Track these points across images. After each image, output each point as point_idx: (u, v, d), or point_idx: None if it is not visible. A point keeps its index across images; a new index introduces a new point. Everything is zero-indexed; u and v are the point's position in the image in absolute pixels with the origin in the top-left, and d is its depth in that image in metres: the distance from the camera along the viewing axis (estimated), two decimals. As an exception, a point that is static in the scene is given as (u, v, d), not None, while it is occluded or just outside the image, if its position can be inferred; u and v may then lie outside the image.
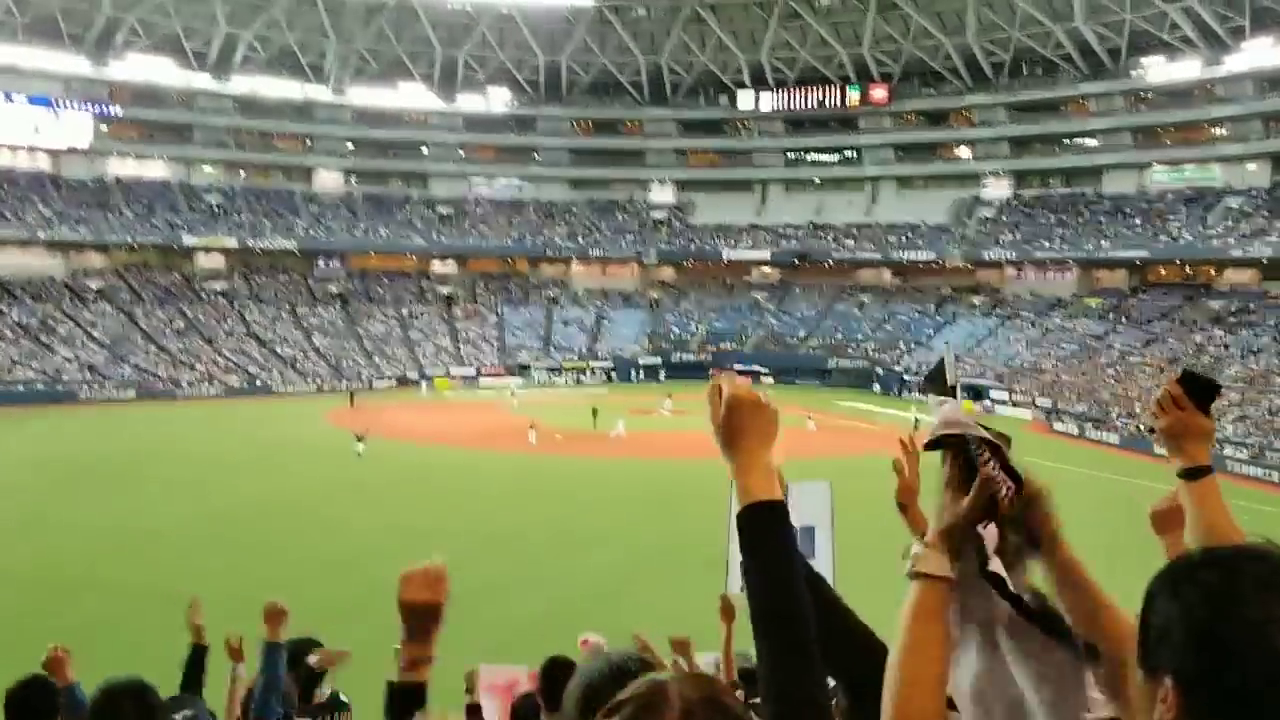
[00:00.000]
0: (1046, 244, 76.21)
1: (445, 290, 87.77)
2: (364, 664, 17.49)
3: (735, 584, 5.65)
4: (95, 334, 69.39)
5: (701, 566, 24.22)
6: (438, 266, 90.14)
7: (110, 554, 25.41)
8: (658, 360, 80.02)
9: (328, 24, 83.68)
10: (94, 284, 75.54)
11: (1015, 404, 61.74)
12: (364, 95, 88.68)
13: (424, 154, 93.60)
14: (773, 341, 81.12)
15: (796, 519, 5.77)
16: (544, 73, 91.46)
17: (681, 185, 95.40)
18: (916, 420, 54.37)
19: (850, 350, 77.45)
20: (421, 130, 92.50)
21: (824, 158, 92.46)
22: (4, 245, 72.32)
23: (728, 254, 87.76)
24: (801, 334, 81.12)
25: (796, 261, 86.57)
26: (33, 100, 75.13)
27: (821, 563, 5.63)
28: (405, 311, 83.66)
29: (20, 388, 59.47)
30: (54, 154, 78.35)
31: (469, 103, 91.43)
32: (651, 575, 24.30)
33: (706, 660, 5.53)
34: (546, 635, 19.03)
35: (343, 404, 60.41)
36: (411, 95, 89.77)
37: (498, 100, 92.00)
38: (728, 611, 5.19)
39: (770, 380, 75.06)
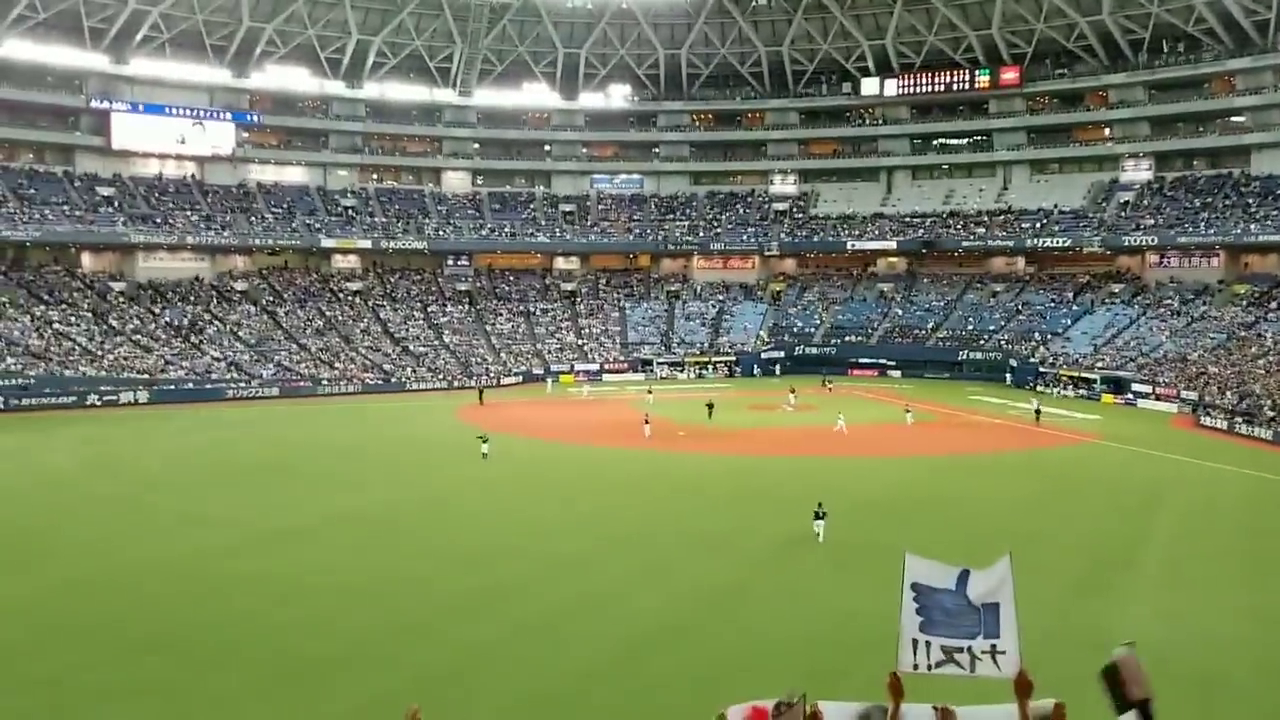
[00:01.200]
0: (1191, 228, 72.72)
1: (569, 287, 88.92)
2: (490, 666, 17.97)
3: (906, 662, 5.61)
4: (240, 334, 72.64)
5: (826, 569, 24.02)
6: (561, 263, 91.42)
7: (257, 548, 26.59)
8: (780, 354, 79.44)
9: (454, 27, 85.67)
10: (238, 285, 79.14)
11: (1158, 397, 59.14)
12: (489, 96, 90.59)
13: (547, 152, 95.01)
14: (900, 334, 79.58)
15: (978, 598, 5.71)
16: (664, 67, 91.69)
17: (804, 176, 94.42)
18: (1038, 411, 52.78)
19: (982, 342, 75.38)
20: (544, 129, 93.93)
21: (953, 143, 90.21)
22: (155, 250, 76.47)
23: (852, 244, 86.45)
24: (930, 325, 79.35)
25: (924, 251, 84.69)
26: (178, 110, 79.15)
27: (1006, 637, 5.62)
28: (530, 308, 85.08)
29: (172, 386, 62.57)
30: (199, 161, 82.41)
31: (590, 100, 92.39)
32: (771, 579, 24.17)
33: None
34: (673, 637, 19.21)
35: (472, 400, 61.80)
36: (534, 95, 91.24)
37: (618, 96, 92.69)
38: (896, 688, 5.08)
39: (899, 375, 74.12)
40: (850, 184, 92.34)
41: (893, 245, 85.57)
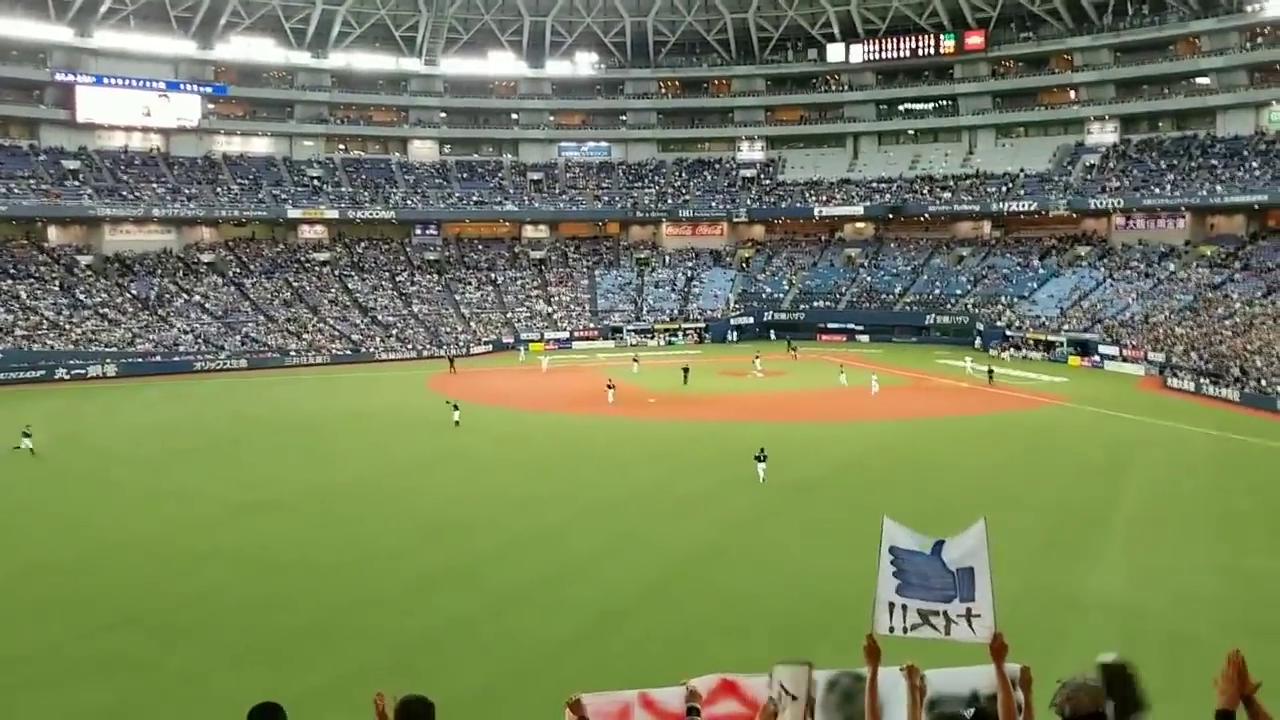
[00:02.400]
0: (1157, 190, 73.47)
1: (538, 255, 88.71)
2: (467, 637, 18.19)
3: (883, 624, 5.75)
4: (207, 306, 72.08)
5: (800, 532, 24.41)
6: (530, 231, 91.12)
7: (227, 523, 26.67)
8: (749, 320, 79.81)
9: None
10: (205, 257, 78.40)
11: (1125, 359, 59.95)
12: (455, 65, 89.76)
13: (514, 120, 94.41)
14: (868, 299, 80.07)
15: (953, 562, 5.86)
16: (630, 35, 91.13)
17: (771, 142, 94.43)
18: (990, 372, 53.94)
19: (949, 306, 76.04)
20: (511, 98, 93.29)
21: (918, 108, 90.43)
22: (122, 222, 75.63)
23: (819, 210, 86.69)
24: (898, 290, 79.88)
25: (891, 216, 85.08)
26: (143, 83, 78.01)
27: (981, 601, 5.69)
28: (499, 277, 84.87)
29: (140, 359, 62.14)
30: (165, 134, 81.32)
31: (557, 68, 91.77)
32: (746, 542, 24.55)
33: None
34: (656, 601, 19.53)
35: (443, 370, 61.78)
36: (501, 63, 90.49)
37: (585, 65, 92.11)
38: (873, 652, 5.20)
39: (867, 339, 74.71)
40: (817, 150, 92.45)
41: (859, 210, 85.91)
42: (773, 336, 76.33)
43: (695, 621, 18.86)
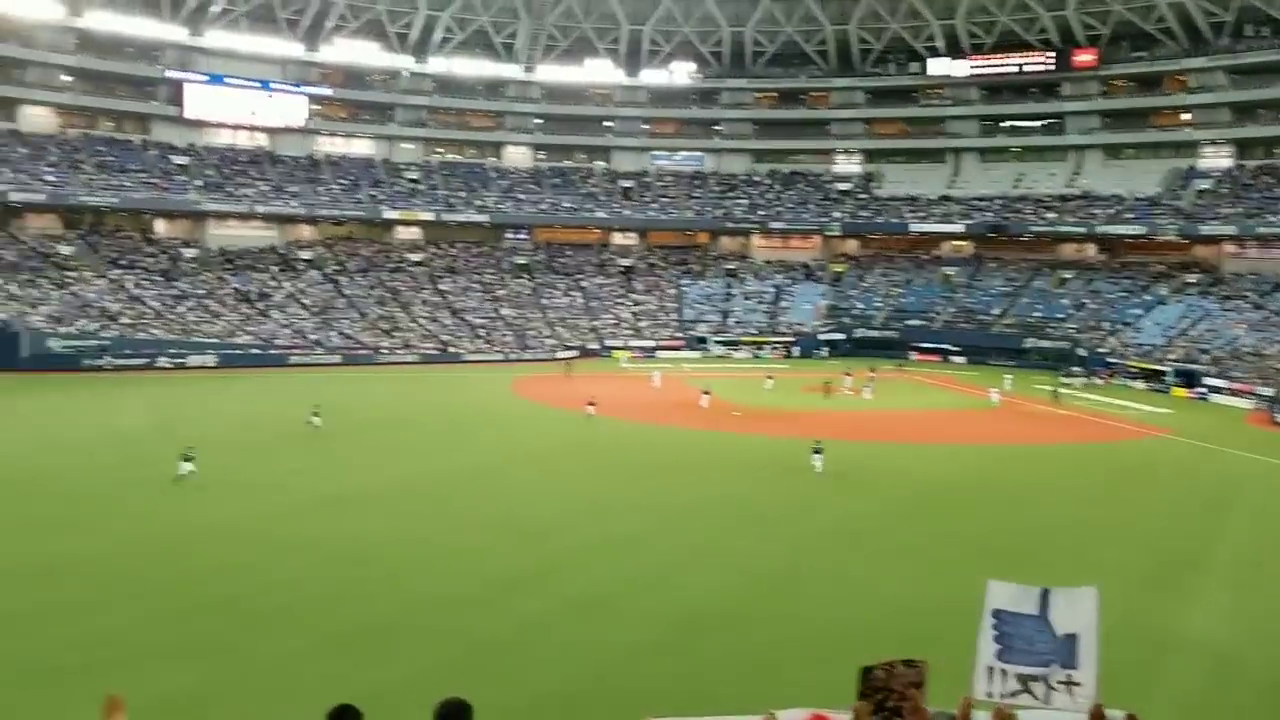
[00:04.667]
0: (1272, 218, 70.50)
1: (625, 262, 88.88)
2: (543, 640, 18.00)
3: (981, 689, 5.63)
4: (305, 301, 73.75)
5: (883, 555, 23.80)
6: (618, 239, 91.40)
7: (313, 514, 27.04)
8: (840, 336, 78.74)
9: (519, 3, 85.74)
10: (304, 254, 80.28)
11: (1233, 392, 57.52)
12: (552, 72, 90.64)
13: (608, 128, 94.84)
14: (964, 319, 78.40)
15: (1060, 626, 5.65)
16: (728, 44, 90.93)
17: (868, 156, 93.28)
18: (1056, 393, 52.89)
19: (1049, 330, 73.95)
20: (606, 105, 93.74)
21: (1023, 125, 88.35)
22: (227, 218, 77.87)
23: (916, 226, 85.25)
24: (995, 311, 78.05)
25: (991, 235, 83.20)
26: (251, 83, 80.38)
27: (1084, 670, 5.55)
28: (586, 283, 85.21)
29: (239, 351, 63.80)
30: (270, 132, 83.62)
31: (652, 77, 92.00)
32: (825, 563, 24.00)
33: None
34: (732, 617, 19.18)
35: (528, 374, 62.14)
36: (597, 71, 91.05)
37: (681, 73, 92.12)
38: (966, 716, 5.08)
39: (962, 361, 73.11)
40: (916, 165, 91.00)
41: (959, 228, 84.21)
42: (860, 354, 75.05)
43: (772, 642, 18.44)
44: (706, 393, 49.54)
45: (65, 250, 69.95)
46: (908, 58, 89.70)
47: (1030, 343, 73.24)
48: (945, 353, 75.12)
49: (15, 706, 14.99)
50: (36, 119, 74.74)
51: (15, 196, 67.59)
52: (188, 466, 30.12)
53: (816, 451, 33.30)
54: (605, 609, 19.90)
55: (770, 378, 58.10)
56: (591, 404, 45.05)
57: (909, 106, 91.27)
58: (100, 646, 17.16)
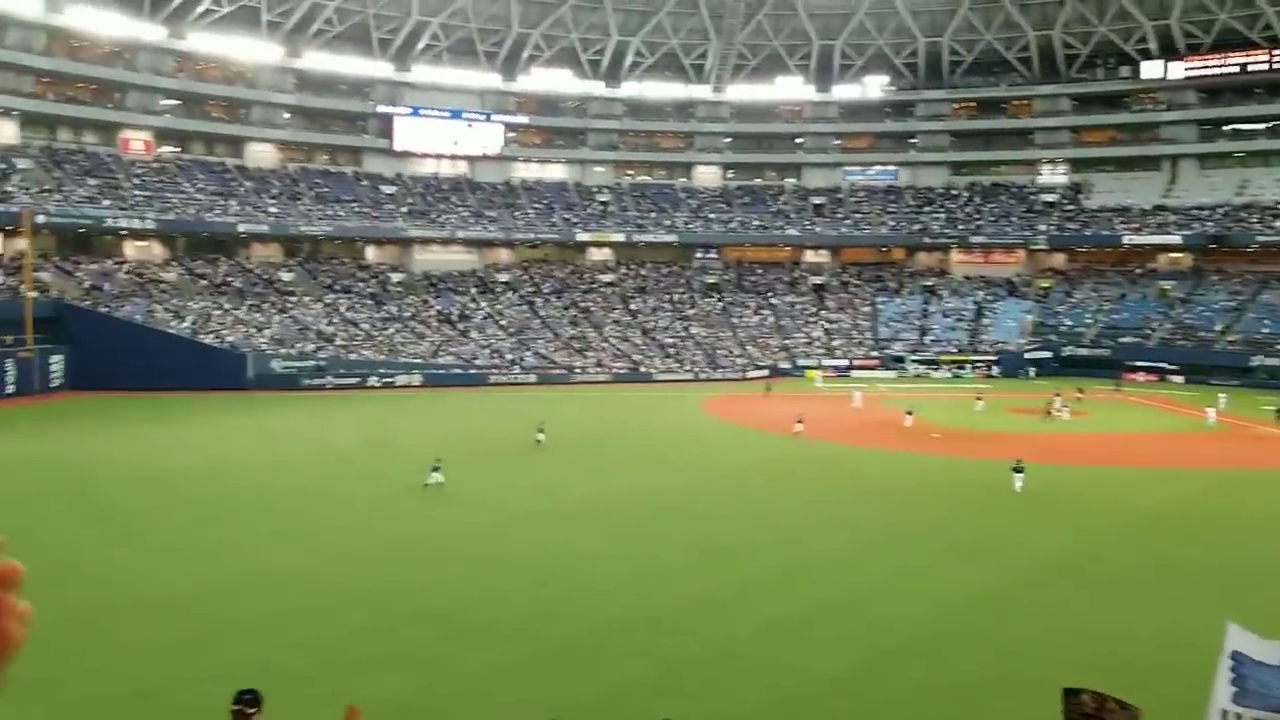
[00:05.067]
0: None
1: (817, 280, 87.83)
2: (736, 662, 17.78)
3: None
4: (502, 323, 76.38)
5: (1096, 586, 22.44)
6: (810, 256, 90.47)
7: (511, 530, 27.79)
8: (1046, 354, 75.15)
9: (709, 24, 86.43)
10: (502, 277, 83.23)
11: None
12: (741, 91, 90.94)
13: (798, 144, 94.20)
14: (1183, 336, 73.49)
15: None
16: (923, 55, 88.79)
17: (1075, 165, 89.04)
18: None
19: (1279, 346, 68.40)
20: (796, 122, 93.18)
21: (1248, 129, 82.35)
22: (430, 244, 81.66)
23: (1129, 238, 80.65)
24: (1218, 328, 72.79)
25: (1213, 246, 77.77)
26: (454, 114, 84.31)
27: None
28: (777, 302, 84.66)
29: (442, 371, 66.62)
30: (470, 160, 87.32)
31: (844, 91, 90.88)
32: (1034, 594, 22.80)
33: None
34: (932, 647, 18.49)
35: (717, 393, 62.14)
36: (787, 88, 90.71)
37: (874, 87, 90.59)
38: None
39: (1180, 380, 68.56)
40: (1128, 174, 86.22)
41: (1176, 239, 79.20)
42: (1069, 374, 71.41)
43: (976, 674, 17.61)
44: (909, 412, 48.53)
45: (286, 277, 74.95)
46: (1117, 61, 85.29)
47: (1257, 360, 67.90)
48: (1162, 372, 70.53)
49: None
50: (260, 155, 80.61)
51: (242, 227, 72.95)
52: (436, 476, 31.72)
53: (1017, 470, 32.80)
54: (799, 633, 19.52)
55: (980, 399, 55.88)
56: (800, 422, 45.05)
57: (1119, 112, 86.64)
58: (322, 652, 18.09)
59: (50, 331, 57.75)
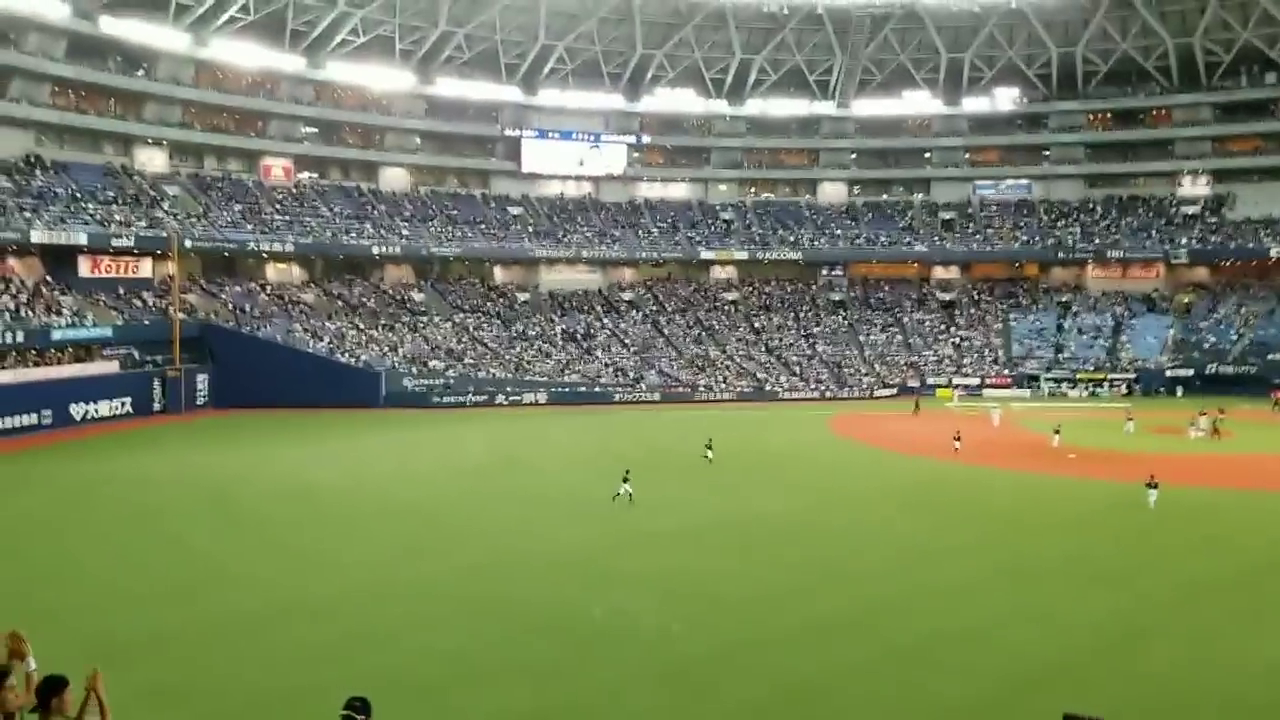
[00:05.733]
0: None
1: (947, 296, 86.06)
2: (862, 687, 17.64)
3: None
4: (626, 341, 77.11)
5: (1244, 614, 21.42)
6: (939, 273, 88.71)
7: (638, 547, 28.02)
8: (1189, 372, 71.92)
9: (834, 40, 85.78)
10: (626, 295, 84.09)
11: None
12: (867, 106, 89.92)
13: (926, 159, 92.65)
14: (1337, 352, 69.52)
15: None
16: (1056, 66, 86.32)
17: (1218, 176, 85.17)
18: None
19: None
20: (924, 136, 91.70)
21: None
22: (556, 263, 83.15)
23: (1276, 250, 76.73)
24: (1377, 343, 68.71)
25: (1371, 258, 73.50)
26: (577, 135, 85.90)
27: None
28: (905, 319, 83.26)
29: (567, 389, 67.61)
30: (595, 181, 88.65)
31: (974, 104, 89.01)
32: (1176, 623, 21.87)
33: None
34: (1068, 677, 17.94)
35: (841, 411, 61.41)
36: (914, 102, 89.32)
37: (1004, 99, 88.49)
38: None
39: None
40: (1274, 184, 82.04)
41: (1330, 252, 74.99)
42: (1213, 392, 68.07)
43: (1115, 704, 16.99)
44: (1057, 431, 47.39)
45: (417, 297, 77.28)
46: (1262, 68, 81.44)
47: None
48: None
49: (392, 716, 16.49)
50: (393, 179, 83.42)
51: (376, 249, 75.53)
52: (625, 487, 32.78)
53: (1151, 486, 32.63)
54: (927, 660, 19.18)
55: (1130, 419, 53.66)
56: (957, 439, 45.03)
57: (1266, 121, 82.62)
58: (450, 663, 18.61)
59: (196, 351, 60.81)
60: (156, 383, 58.07)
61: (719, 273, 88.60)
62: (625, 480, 32.90)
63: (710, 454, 41.69)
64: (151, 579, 24.04)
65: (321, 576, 24.49)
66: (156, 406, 57.50)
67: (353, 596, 22.74)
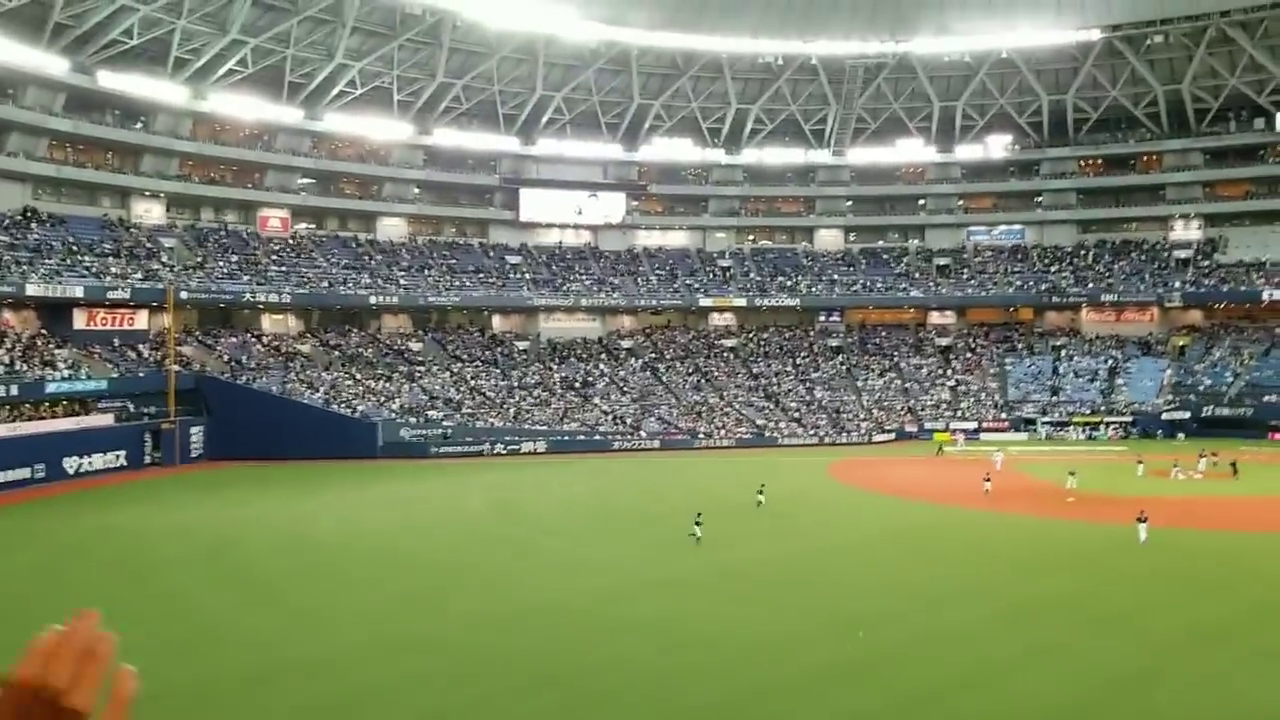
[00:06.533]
0: None
1: (943, 341, 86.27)
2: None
3: None
4: (625, 389, 77.08)
5: (1252, 657, 21.24)
6: (935, 318, 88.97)
7: (638, 596, 27.80)
8: (1185, 415, 71.92)
9: (828, 90, 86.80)
10: (625, 343, 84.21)
11: None
12: (862, 155, 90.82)
13: (921, 206, 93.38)
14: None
15: None
16: (1047, 113, 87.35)
17: (1209, 220, 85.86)
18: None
19: None
20: (918, 183, 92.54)
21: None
22: (555, 311, 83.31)
23: (1269, 293, 77.14)
24: (1373, 385, 68.85)
25: (1364, 300, 73.90)
26: (577, 185, 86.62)
27: None
28: (903, 364, 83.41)
29: (566, 437, 67.45)
30: (593, 229, 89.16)
31: (967, 152, 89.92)
32: (1185, 667, 21.67)
33: None
34: (1078, 717, 17.75)
35: (838, 457, 61.29)
36: (908, 150, 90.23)
37: (997, 146, 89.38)
38: None
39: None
40: (1266, 227, 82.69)
41: (1322, 293, 75.42)
42: (1210, 435, 67.99)
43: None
44: (1072, 474, 47.37)
45: (415, 346, 77.31)
46: (1251, 114, 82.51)
47: None
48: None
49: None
50: (391, 229, 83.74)
51: (373, 299, 75.61)
52: (698, 530, 34.48)
53: (1141, 521, 33.79)
54: (936, 705, 19.01)
55: (1141, 461, 53.33)
56: (988, 479, 46.06)
57: (1255, 165, 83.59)
58: (453, 718, 18.39)
59: (191, 403, 60.67)
60: (150, 436, 57.90)
61: (717, 320, 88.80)
62: (698, 523, 34.61)
63: (762, 498, 42.42)
64: (147, 636, 23.69)
65: (319, 632, 24.25)
66: (150, 460, 57.28)
67: (351, 653, 22.49)
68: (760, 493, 42.67)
